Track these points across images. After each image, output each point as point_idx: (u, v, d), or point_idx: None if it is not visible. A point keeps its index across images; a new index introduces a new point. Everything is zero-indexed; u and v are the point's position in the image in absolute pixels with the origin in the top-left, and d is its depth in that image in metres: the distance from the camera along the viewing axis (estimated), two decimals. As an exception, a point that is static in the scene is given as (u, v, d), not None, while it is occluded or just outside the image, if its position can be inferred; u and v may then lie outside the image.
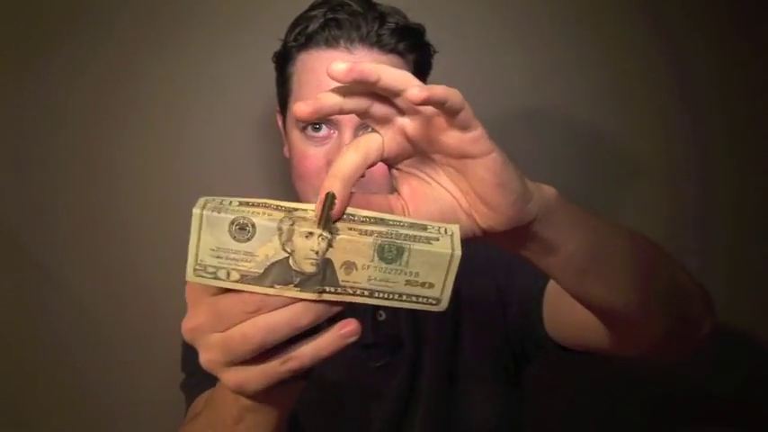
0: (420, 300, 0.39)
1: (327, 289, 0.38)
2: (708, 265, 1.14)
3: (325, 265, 0.38)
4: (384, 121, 0.42)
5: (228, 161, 1.13)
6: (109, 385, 1.13)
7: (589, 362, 0.77)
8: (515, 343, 0.82)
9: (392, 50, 0.73)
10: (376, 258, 0.38)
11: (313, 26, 0.73)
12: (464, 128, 0.40)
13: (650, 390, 1.16)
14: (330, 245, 0.38)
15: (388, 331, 0.81)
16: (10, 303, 1.12)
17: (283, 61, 0.78)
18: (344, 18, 0.72)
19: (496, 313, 0.82)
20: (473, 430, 0.82)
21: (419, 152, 0.44)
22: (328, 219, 0.38)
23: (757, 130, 1.14)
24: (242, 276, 0.38)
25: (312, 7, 0.75)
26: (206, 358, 0.41)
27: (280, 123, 0.84)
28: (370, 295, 0.38)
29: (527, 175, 0.44)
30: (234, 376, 0.41)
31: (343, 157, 0.42)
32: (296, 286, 0.38)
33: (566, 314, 0.70)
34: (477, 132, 0.40)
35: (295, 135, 0.77)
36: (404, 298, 0.39)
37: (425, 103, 0.38)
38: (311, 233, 0.38)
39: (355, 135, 0.72)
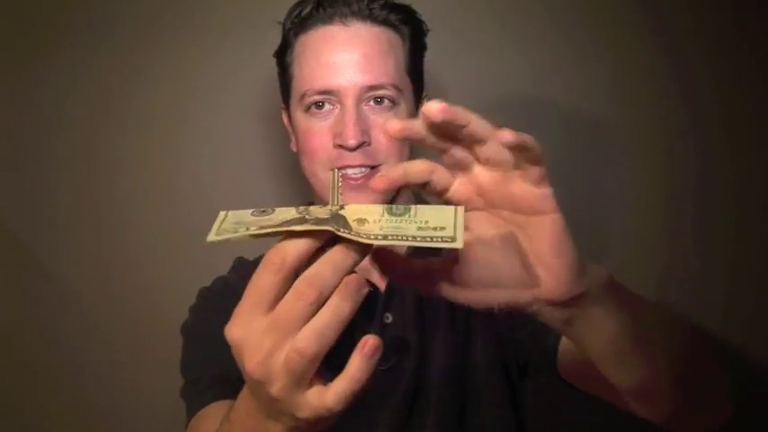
0: (435, 239, 0.39)
1: (342, 230, 0.38)
2: (708, 265, 1.14)
3: (338, 217, 0.40)
4: (462, 167, 0.43)
5: (229, 161, 1.13)
6: (109, 385, 1.13)
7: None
8: (521, 355, 0.82)
9: (385, 22, 0.76)
10: (386, 214, 0.40)
11: (307, 8, 0.76)
12: (537, 182, 0.41)
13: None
14: (342, 208, 0.40)
15: (395, 334, 0.80)
16: (10, 303, 1.12)
17: (283, 51, 0.80)
18: None
19: (505, 318, 0.82)
20: None
21: (486, 207, 0.44)
22: (338, 193, 0.41)
23: (757, 131, 1.14)
24: (260, 227, 0.39)
25: None
26: (278, 387, 0.40)
27: (285, 120, 0.85)
28: (384, 238, 0.38)
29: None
30: (314, 398, 0.40)
31: (416, 162, 0.43)
32: (311, 223, 0.39)
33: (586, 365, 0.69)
34: (548, 190, 0.41)
35: (299, 117, 0.78)
36: (418, 239, 0.39)
37: (515, 144, 0.39)
38: (325, 204, 0.41)
39: (357, 108, 0.74)
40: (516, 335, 0.80)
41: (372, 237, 0.38)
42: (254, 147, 1.12)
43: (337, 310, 0.39)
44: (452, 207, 0.40)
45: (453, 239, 0.38)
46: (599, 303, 0.45)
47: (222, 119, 1.12)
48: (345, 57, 0.74)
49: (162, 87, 1.11)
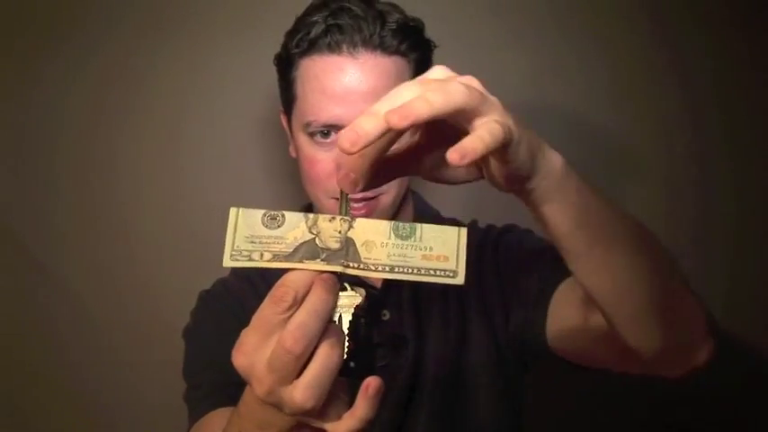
0: (438, 273, 0.42)
1: (351, 264, 0.42)
2: (708, 265, 1.14)
3: (348, 242, 0.43)
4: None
5: (228, 161, 1.13)
6: (109, 385, 1.13)
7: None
8: (516, 348, 0.82)
9: (395, 52, 0.74)
10: (392, 236, 0.43)
11: (315, 32, 0.73)
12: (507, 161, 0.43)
13: (649, 390, 1.16)
14: (351, 226, 0.43)
15: (392, 331, 0.81)
16: (10, 303, 1.12)
17: (285, 66, 0.78)
18: (346, 23, 0.72)
19: (500, 316, 0.82)
20: (475, 431, 0.81)
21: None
22: (347, 207, 0.45)
23: (757, 130, 1.14)
24: (274, 256, 0.42)
25: (311, 11, 0.75)
26: (263, 390, 0.42)
27: (284, 123, 0.84)
28: (391, 270, 0.42)
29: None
30: (299, 392, 0.42)
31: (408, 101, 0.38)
32: (322, 260, 0.42)
33: (571, 322, 0.69)
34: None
35: (302, 139, 0.77)
36: (422, 272, 0.42)
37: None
38: (333, 217, 0.43)
39: None
40: (509, 320, 0.81)
41: (380, 267, 0.42)
42: (254, 148, 1.12)
43: (319, 299, 0.42)
44: (455, 229, 0.43)
45: (455, 274, 0.42)
46: (554, 190, 0.48)
47: (222, 119, 1.12)
48: (353, 89, 0.72)
49: (162, 88, 1.11)
